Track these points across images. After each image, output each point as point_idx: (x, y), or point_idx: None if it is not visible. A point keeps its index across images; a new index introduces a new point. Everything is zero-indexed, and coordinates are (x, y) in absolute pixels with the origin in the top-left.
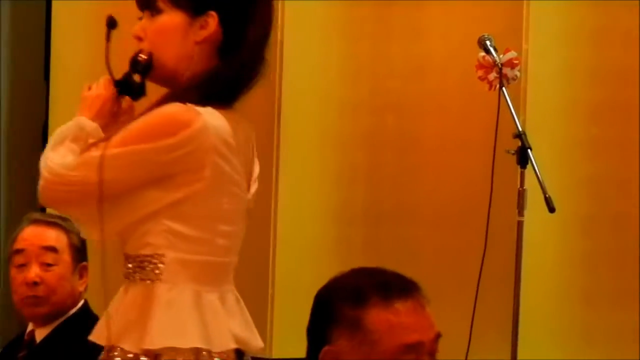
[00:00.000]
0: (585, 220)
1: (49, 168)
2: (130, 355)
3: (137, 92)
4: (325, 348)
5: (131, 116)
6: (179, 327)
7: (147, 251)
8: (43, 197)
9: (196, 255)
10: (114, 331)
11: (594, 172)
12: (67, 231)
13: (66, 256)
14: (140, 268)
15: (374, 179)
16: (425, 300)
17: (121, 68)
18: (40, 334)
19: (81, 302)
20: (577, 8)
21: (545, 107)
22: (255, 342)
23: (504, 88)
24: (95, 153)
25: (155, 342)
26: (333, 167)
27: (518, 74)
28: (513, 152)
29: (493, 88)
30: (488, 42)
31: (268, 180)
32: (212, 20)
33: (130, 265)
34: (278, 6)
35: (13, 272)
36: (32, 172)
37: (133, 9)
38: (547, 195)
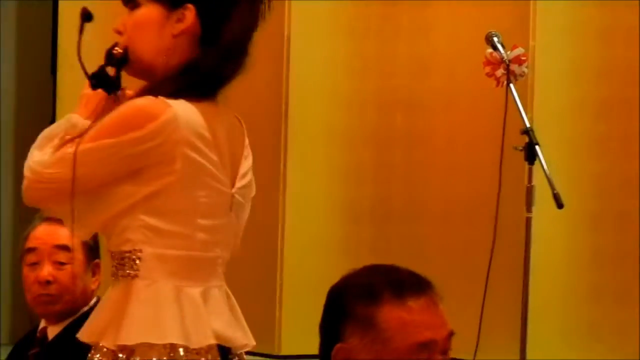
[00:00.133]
0: (593, 216)
1: (28, 166)
2: (106, 350)
3: (111, 85)
4: (338, 346)
5: None
6: (154, 323)
7: (126, 247)
8: (25, 196)
9: (174, 250)
10: (95, 329)
11: (602, 168)
12: None
13: (79, 254)
14: (120, 265)
15: (381, 176)
16: (438, 297)
17: None
18: (53, 332)
19: (94, 300)
20: (583, 5)
21: (553, 103)
22: (241, 339)
23: (511, 84)
24: (70, 149)
25: (130, 337)
26: (340, 165)
27: (525, 70)
28: (521, 148)
29: (500, 84)
30: (495, 39)
31: (275, 177)
32: (189, 13)
33: (114, 263)
34: (285, 4)
35: (25, 270)
36: None
37: None
38: (555, 192)
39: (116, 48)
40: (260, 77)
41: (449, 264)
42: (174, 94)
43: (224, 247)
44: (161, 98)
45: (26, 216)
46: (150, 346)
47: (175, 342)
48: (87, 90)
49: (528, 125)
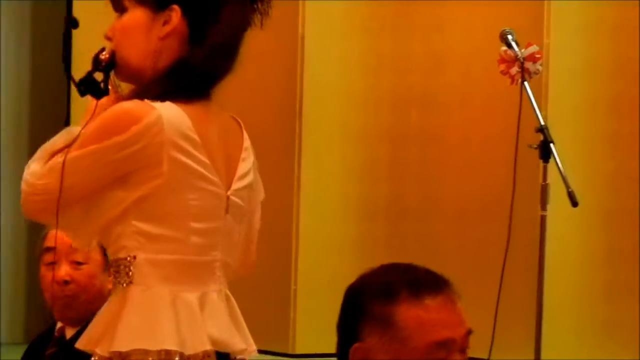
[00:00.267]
0: (607, 214)
1: (24, 179)
2: (99, 358)
3: (99, 91)
4: (356, 345)
5: None
6: (149, 329)
7: (122, 254)
8: (23, 210)
9: (167, 255)
10: (92, 337)
11: (616, 166)
12: None
13: (96, 254)
14: (117, 273)
15: (396, 174)
16: (456, 295)
17: None
18: (70, 331)
19: None
20: (598, 3)
21: (567, 101)
22: (239, 344)
23: (525, 82)
24: (60, 159)
25: (124, 344)
26: (355, 163)
27: (540, 68)
28: (535, 146)
29: (515, 82)
30: (510, 37)
31: (290, 176)
32: (175, 15)
33: (111, 271)
34: (299, 4)
35: (43, 270)
36: None
37: None
38: (570, 190)
39: (103, 53)
40: (274, 77)
41: (463, 262)
42: (161, 96)
43: (222, 250)
44: (146, 101)
45: None
46: (145, 352)
47: (170, 348)
48: (92, 103)
49: (542, 123)
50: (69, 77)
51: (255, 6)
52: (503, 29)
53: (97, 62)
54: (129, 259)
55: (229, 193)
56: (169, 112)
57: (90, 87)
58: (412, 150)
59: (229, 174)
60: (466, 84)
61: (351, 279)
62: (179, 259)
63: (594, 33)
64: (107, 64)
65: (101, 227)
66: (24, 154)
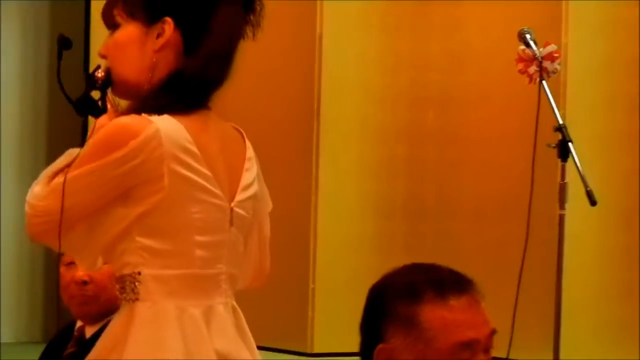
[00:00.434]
0: (625, 213)
1: (27, 202)
2: None
3: (97, 110)
4: (380, 346)
5: None
6: (157, 344)
7: (126, 271)
8: (27, 233)
9: (172, 270)
10: (101, 353)
11: (634, 165)
12: None
13: None
14: (122, 289)
15: (414, 172)
16: (480, 295)
17: None
18: (90, 331)
19: None
20: (615, 2)
21: (585, 100)
22: (245, 356)
23: (544, 81)
24: (60, 179)
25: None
26: (373, 161)
27: (558, 67)
28: (554, 145)
29: (533, 81)
30: (528, 36)
31: (308, 174)
32: (167, 27)
33: (117, 287)
34: (317, 3)
35: (62, 270)
36: None
37: None
38: (588, 189)
39: (99, 71)
40: (292, 76)
41: (481, 261)
42: (158, 110)
43: (228, 263)
44: (143, 115)
45: None
46: None
47: None
48: (102, 119)
49: (561, 122)
50: (66, 96)
51: (248, 18)
52: (521, 28)
53: (93, 81)
54: (133, 274)
55: (232, 205)
56: (166, 125)
57: (87, 106)
58: (430, 148)
59: (232, 185)
60: (484, 83)
61: (369, 277)
62: (184, 273)
63: (612, 32)
64: (104, 82)
65: (105, 244)
66: (43, 157)
